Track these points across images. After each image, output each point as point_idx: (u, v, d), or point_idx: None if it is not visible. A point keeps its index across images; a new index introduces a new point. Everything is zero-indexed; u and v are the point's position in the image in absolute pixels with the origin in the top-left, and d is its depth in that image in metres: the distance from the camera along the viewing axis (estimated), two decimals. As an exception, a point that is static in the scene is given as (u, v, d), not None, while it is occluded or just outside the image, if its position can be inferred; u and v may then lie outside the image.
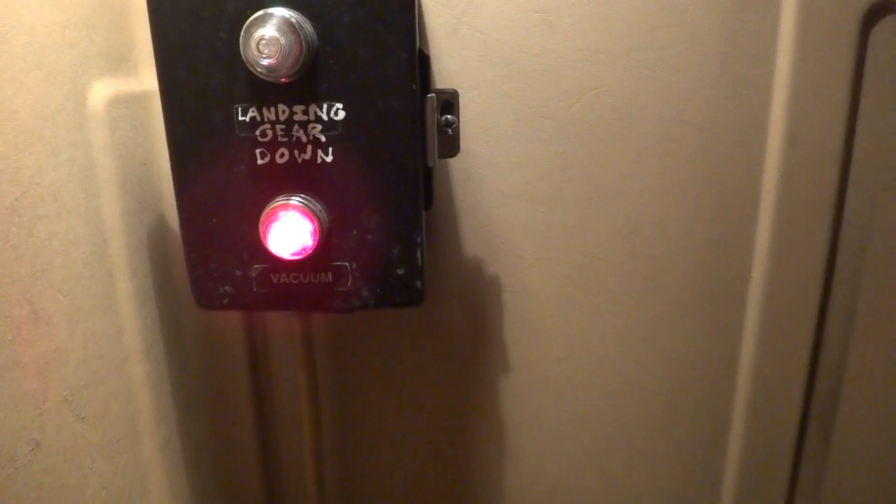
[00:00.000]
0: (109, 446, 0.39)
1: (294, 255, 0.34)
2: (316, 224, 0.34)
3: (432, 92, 0.35)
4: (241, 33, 0.30)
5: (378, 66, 0.32)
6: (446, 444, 0.52)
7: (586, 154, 0.45)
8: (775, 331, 0.47)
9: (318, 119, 0.33)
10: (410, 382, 0.51)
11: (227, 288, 0.36)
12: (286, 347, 0.50)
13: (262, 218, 0.33)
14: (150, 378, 0.42)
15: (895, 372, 0.47)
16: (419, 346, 0.50)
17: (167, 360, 0.44)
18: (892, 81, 0.42)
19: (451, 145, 0.37)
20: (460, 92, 0.37)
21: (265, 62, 0.30)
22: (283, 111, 0.33)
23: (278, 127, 0.33)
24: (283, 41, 0.30)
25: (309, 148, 0.33)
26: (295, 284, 0.36)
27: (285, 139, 0.33)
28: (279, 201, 0.33)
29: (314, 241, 0.34)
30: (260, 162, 0.34)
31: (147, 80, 0.42)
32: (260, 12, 0.30)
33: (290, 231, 0.33)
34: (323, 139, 0.33)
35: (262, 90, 0.32)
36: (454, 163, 0.45)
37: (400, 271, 0.36)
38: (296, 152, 0.34)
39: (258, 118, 0.33)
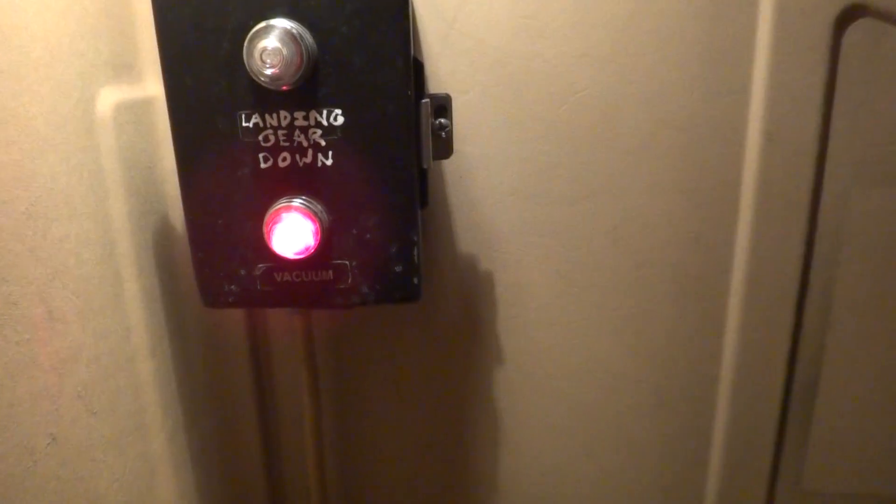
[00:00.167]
0: (119, 440, 0.40)
1: (297, 254, 0.35)
2: (317, 224, 0.35)
3: (426, 97, 0.37)
4: (245, 44, 0.32)
5: (375, 73, 0.34)
6: (443, 433, 0.53)
7: (573, 154, 0.46)
8: (756, 321, 0.48)
9: (319, 124, 0.34)
10: (408, 375, 0.52)
11: (233, 287, 0.37)
12: (287, 344, 0.51)
13: (266, 219, 0.35)
14: (157, 375, 0.44)
15: (871, 358, 0.49)
16: (416, 340, 0.51)
17: (172, 358, 0.46)
18: (864, 81, 0.43)
19: (444, 147, 0.39)
20: (452, 95, 0.39)
21: (269, 71, 0.31)
22: (285, 117, 0.34)
23: (280, 132, 0.35)
24: (285, 51, 0.31)
25: (310, 152, 0.35)
26: (297, 282, 0.37)
27: (287, 144, 0.35)
28: (282, 203, 0.35)
29: (316, 240, 0.35)
30: (263, 166, 0.35)
31: (150, 86, 0.43)
32: (262, 24, 0.32)
33: (292, 231, 0.35)
34: (323, 143, 0.35)
35: (264, 97, 0.34)
36: (447, 163, 0.46)
37: (398, 269, 0.37)
38: (297, 156, 0.35)
39: (261, 124, 0.34)
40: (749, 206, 0.46)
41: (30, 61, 0.32)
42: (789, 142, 0.44)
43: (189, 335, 0.48)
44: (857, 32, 0.42)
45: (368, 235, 0.36)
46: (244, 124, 0.34)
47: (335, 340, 0.51)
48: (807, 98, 0.43)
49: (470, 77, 0.45)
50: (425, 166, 0.37)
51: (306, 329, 0.45)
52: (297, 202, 0.35)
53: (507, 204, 0.47)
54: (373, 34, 0.33)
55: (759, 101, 0.44)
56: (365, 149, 0.35)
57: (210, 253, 0.37)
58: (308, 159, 0.35)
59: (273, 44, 0.31)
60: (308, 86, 0.34)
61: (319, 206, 0.36)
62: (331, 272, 0.37)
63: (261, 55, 0.31)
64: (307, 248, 0.35)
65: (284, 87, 0.33)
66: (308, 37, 0.33)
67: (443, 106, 0.38)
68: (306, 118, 0.34)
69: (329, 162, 0.35)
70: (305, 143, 0.35)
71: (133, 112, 0.41)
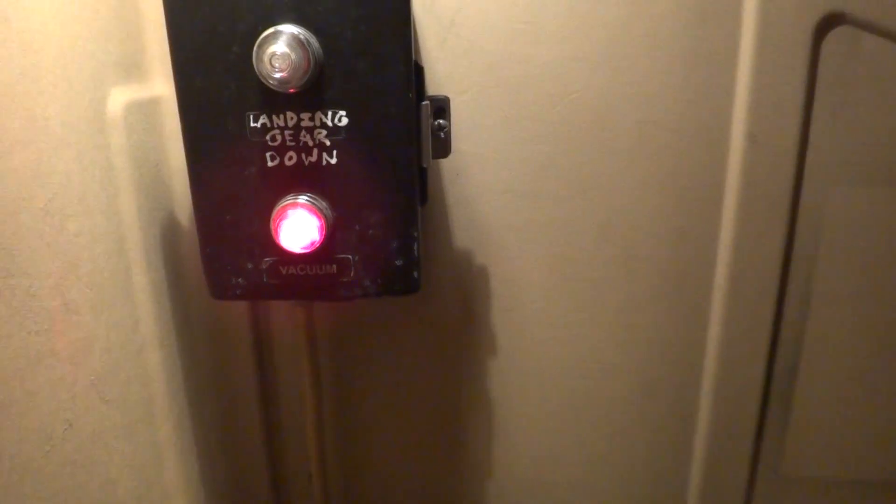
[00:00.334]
0: (129, 427, 0.41)
1: (303, 249, 0.37)
2: (322, 220, 0.36)
3: (426, 99, 0.38)
4: (255, 49, 0.33)
5: (377, 77, 0.35)
6: (439, 420, 0.55)
7: (566, 153, 0.47)
8: (738, 313, 0.49)
9: (324, 125, 0.36)
10: (406, 365, 0.53)
11: (240, 280, 0.39)
12: (289, 336, 0.52)
13: (274, 216, 0.36)
14: (164, 365, 0.45)
15: (847, 350, 0.50)
16: (414, 331, 0.52)
17: (179, 349, 0.47)
18: (842, 86, 0.45)
19: (443, 147, 0.40)
20: (450, 96, 0.40)
21: (277, 75, 0.33)
22: (292, 118, 0.35)
23: (287, 132, 0.36)
24: (293, 56, 0.33)
25: (315, 151, 0.36)
26: (302, 276, 0.38)
27: (293, 143, 0.36)
28: (288, 200, 0.36)
29: (321, 236, 0.36)
30: (270, 164, 0.36)
31: (157, 86, 0.44)
32: (271, 30, 0.33)
33: (299, 227, 0.36)
34: (328, 143, 0.36)
35: (272, 99, 0.35)
36: (445, 162, 0.47)
37: (398, 262, 0.38)
38: (303, 155, 0.36)
39: (268, 124, 0.36)
40: (732, 204, 0.47)
41: (46, 64, 0.33)
42: (771, 143, 0.45)
43: (195, 327, 0.49)
44: (835, 39, 0.44)
45: (371, 231, 0.38)
46: (252, 124, 0.36)
47: (336, 331, 0.52)
48: (788, 101, 0.45)
49: (467, 79, 0.46)
50: (425, 165, 0.39)
51: (308, 321, 0.47)
52: (302, 199, 0.36)
53: (502, 201, 0.49)
54: (376, 39, 0.34)
55: (742, 104, 0.45)
56: (368, 148, 0.36)
57: (218, 247, 0.38)
58: (313, 158, 0.36)
59: (282, 49, 0.32)
60: (314, 88, 0.35)
61: (324, 203, 0.37)
62: (334, 266, 0.38)
63: (270, 60, 0.33)
64: (313, 243, 0.36)
65: (291, 90, 0.34)
66: (314, 42, 0.34)
67: (442, 107, 0.40)
68: (312, 119, 0.35)
69: (333, 161, 0.36)
70: (311, 143, 0.36)
71: (142, 111, 0.42)
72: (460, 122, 0.46)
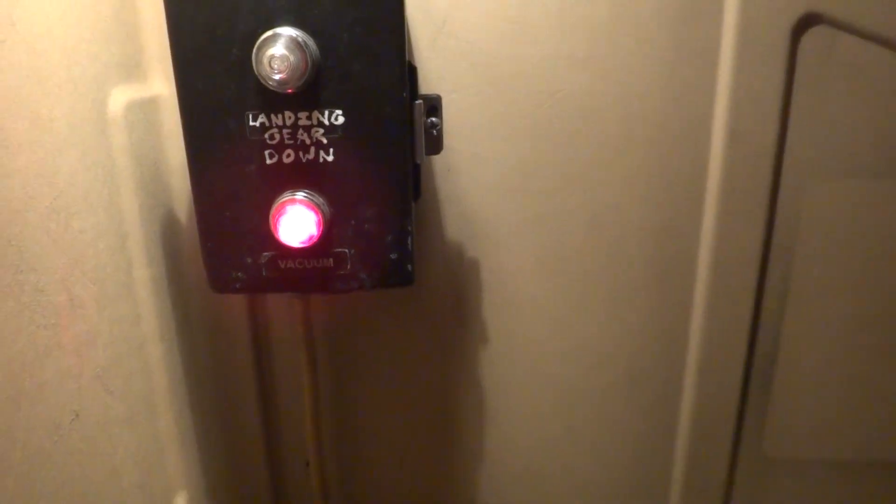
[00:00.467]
0: (132, 419, 0.42)
1: (301, 243, 0.38)
2: (319, 216, 0.37)
3: (419, 98, 0.39)
4: (254, 51, 0.34)
5: (372, 77, 0.36)
6: (432, 409, 0.56)
7: (554, 149, 0.48)
8: (720, 303, 0.51)
9: (321, 124, 0.37)
10: (401, 356, 0.54)
11: (240, 273, 0.40)
12: (287, 329, 0.52)
13: (273, 212, 0.37)
14: (165, 359, 0.46)
15: (824, 337, 0.52)
16: (408, 323, 0.53)
17: (179, 343, 0.48)
18: (819, 84, 0.46)
19: (435, 144, 0.41)
20: (442, 94, 0.41)
21: (277, 77, 0.34)
22: (290, 117, 0.36)
23: (285, 131, 0.37)
24: (291, 58, 0.34)
25: (312, 149, 0.37)
26: (300, 269, 0.40)
27: (291, 141, 0.37)
28: (287, 196, 0.37)
29: (318, 230, 0.37)
30: (268, 162, 0.37)
31: (156, 86, 0.45)
32: (270, 32, 0.34)
33: (297, 222, 0.37)
34: (324, 141, 0.37)
35: (270, 99, 0.36)
36: (437, 158, 0.48)
37: (393, 256, 0.40)
38: (300, 153, 0.37)
39: (267, 123, 0.37)
40: (714, 199, 0.48)
41: (51, 65, 0.34)
42: (751, 139, 0.47)
43: (194, 321, 0.50)
44: (812, 38, 0.45)
45: (366, 225, 0.39)
46: (251, 123, 0.37)
47: (332, 323, 0.53)
48: (767, 99, 0.46)
49: (458, 78, 0.47)
50: (418, 161, 0.40)
51: (305, 314, 0.48)
52: (300, 195, 0.37)
53: (492, 196, 0.50)
54: (371, 42, 0.35)
55: (723, 101, 0.46)
56: (363, 146, 0.37)
57: (218, 242, 0.39)
58: (311, 156, 0.37)
59: (281, 51, 0.33)
60: (311, 88, 0.36)
61: (321, 199, 0.38)
62: (331, 259, 0.39)
63: (269, 62, 0.34)
64: (311, 238, 0.37)
65: (290, 90, 0.35)
66: (312, 44, 0.35)
67: (434, 106, 0.40)
68: (309, 118, 0.36)
69: (330, 158, 0.37)
70: (308, 141, 0.37)
71: (141, 111, 0.43)
72: (452, 120, 0.47)
